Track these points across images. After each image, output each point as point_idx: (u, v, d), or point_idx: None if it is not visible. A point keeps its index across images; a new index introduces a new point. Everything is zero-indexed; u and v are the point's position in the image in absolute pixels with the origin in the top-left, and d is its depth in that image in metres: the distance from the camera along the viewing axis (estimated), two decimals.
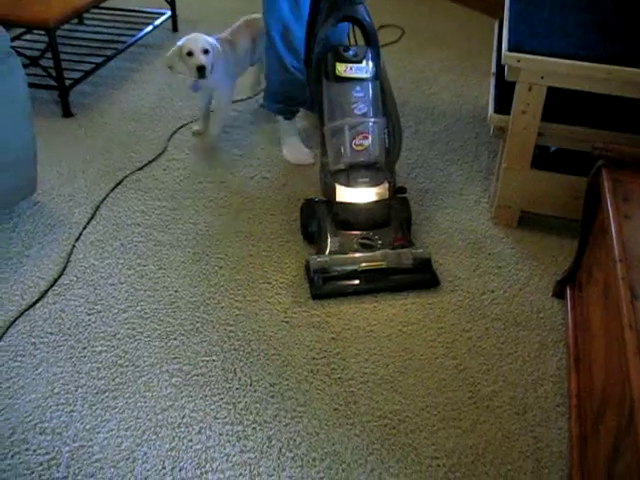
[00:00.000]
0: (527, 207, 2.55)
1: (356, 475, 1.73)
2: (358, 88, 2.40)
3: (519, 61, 2.25)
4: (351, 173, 2.41)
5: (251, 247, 2.47)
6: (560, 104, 2.38)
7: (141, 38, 3.89)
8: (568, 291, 2.21)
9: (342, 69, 2.40)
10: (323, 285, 2.26)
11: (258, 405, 1.90)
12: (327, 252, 2.32)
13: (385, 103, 2.52)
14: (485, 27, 4.02)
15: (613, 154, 1.95)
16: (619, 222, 1.73)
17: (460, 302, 2.26)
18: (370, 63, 2.43)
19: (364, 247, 2.34)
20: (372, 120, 2.43)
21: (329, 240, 2.36)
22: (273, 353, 2.05)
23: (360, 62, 2.40)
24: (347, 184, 2.40)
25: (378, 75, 2.47)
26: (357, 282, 2.29)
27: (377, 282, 2.29)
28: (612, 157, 1.95)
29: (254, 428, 1.84)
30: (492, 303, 2.26)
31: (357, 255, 2.31)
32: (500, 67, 2.52)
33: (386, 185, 2.43)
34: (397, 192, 2.50)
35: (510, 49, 2.28)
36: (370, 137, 2.41)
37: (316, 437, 1.81)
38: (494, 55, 2.93)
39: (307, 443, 1.80)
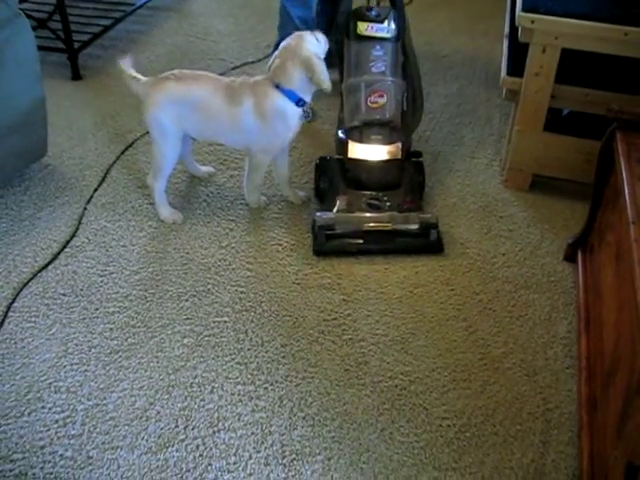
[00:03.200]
0: (539, 170, 2.54)
1: (367, 434, 1.74)
2: (378, 47, 2.39)
3: (533, 22, 2.22)
4: (364, 130, 2.38)
5: (262, 209, 2.47)
6: (574, 66, 2.36)
7: (150, 0, 3.84)
8: (579, 254, 2.21)
9: (363, 28, 2.39)
10: (326, 242, 2.27)
11: (269, 365, 1.91)
12: (335, 210, 2.33)
13: (407, 68, 2.49)
14: None
15: (628, 116, 1.93)
16: (633, 184, 1.72)
17: (471, 265, 2.26)
18: (392, 24, 2.41)
19: (372, 207, 2.34)
20: (389, 79, 2.39)
21: (337, 198, 2.36)
22: (284, 314, 2.07)
23: (382, 22, 2.39)
24: (359, 140, 2.38)
25: (400, 37, 2.44)
26: (361, 242, 2.29)
27: (381, 243, 2.29)
28: (627, 119, 1.93)
29: (265, 388, 1.86)
30: (503, 266, 2.26)
31: (363, 215, 2.31)
32: (514, 29, 2.49)
33: (399, 145, 2.39)
34: (412, 156, 2.50)
35: (524, 9, 2.24)
36: (386, 96, 2.37)
37: (327, 397, 1.83)
38: (507, 17, 2.89)
39: (318, 403, 1.82)
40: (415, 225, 2.28)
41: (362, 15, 2.41)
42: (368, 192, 2.39)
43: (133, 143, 2.80)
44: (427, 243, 2.30)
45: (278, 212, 2.46)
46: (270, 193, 2.54)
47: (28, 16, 2.43)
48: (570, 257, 2.26)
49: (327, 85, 2.21)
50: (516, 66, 2.43)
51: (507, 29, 2.78)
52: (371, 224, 2.28)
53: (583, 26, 2.19)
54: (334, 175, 2.43)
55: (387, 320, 2.06)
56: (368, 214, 2.32)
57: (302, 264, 2.25)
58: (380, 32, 2.40)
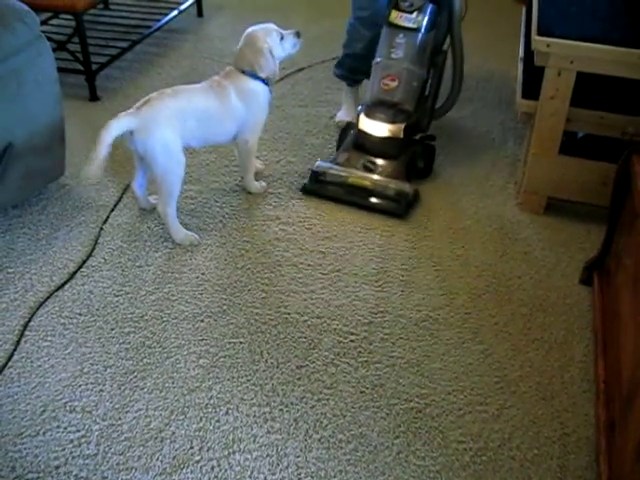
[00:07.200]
0: (554, 193, 2.54)
1: (382, 457, 1.73)
2: (401, 35, 2.65)
3: (549, 46, 2.24)
4: (373, 107, 2.69)
5: (277, 230, 2.48)
6: (590, 89, 2.36)
7: (166, 23, 3.90)
8: (596, 277, 2.20)
9: (394, 16, 2.67)
10: (314, 184, 2.66)
11: (285, 387, 1.91)
12: (335, 162, 2.69)
13: (454, 55, 2.84)
14: (511, 12, 3.98)
15: None
16: None
17: (487, 287, 2.25)
18: (423, 16, 2.63)
19: (365, 168, 2.65)
20: (405, 66, 2.65)
21: (340, 153, 2.74)
22: (299, 336, 2.06)
23: (411, 13, 2.63)
24: (367, 115, 2.68)
25: (432, 28, 2.67)
26: (341, 191, 2.62)
27: (355, 197, 2.61)
28: None
29: (281, 410, 1.85)
30: (519, 288, 2.25)
31: (353, 171, 2.64)
32: (528, 52, 2.50)
33: (401, 126, 2.64)
34: (426, 138, 2.82)
35: (540, 33, 2.26)
36: (398, 80, 2.66)
37: (342, 419, 1.82)
38: (522, 40, 2.90)
39: (334, 425, 1.81)
40: (391, 191, 2.57)
41: (397, 4, 2.66)
42: (368, 155, 2.68)
43: None
44: (394, 207, 2.56)
45: (293, 233, 2.47)
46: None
47: (48, 38, 2.47)
48: (586, 280, 2.25)
49: (264, 74, 2.48)
50: (531, 89, 2.44)
51: (522, 52, 2.80)
52: (354, 179, 2.60)
53: (598, 50, 2.20)
54: (347, 135, 2.79)
55: (402, 343, 2.05)
56: (357, 171, 2.63)
57: (318, 286, 2.25)
58: (406, 22, 2.64)
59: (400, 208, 2.54)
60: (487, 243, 2.44)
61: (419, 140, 2.78)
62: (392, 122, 2.65)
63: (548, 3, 2.45)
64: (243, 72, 2.47)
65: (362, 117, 2.69)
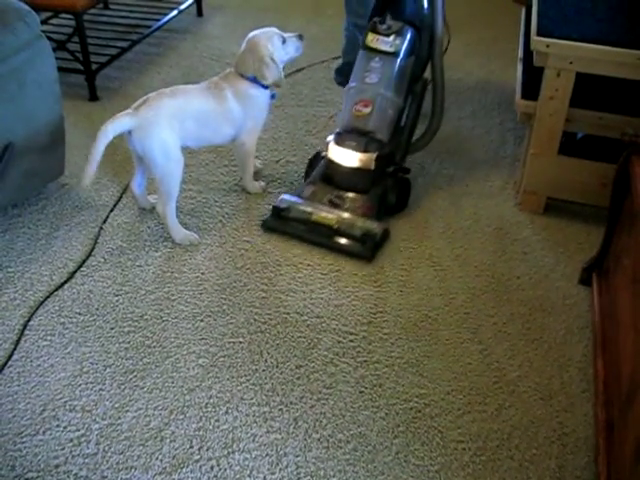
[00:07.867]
0: (553, 194, 2.54)
1: (381, 457, 1.74)
2: (377, 59, 2.49)
3: (548, 46, 2.24)
4: (344, 134, 2.50)
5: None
6: (589, 90, 2.37)
7: (166, 23, 3.90)
8: (595, 278, 2.20)
9: (371, 39, 2.51)
10: (276, 220, 2.45)
11: (284, 387, 1.91)
12: (300, 196, 2.50)
13: (434, 86, 2.67)
14: (510, 12, 3.96)
15: None
16: None
17: (485, 287, 2.25)
18: (401, 40, 2.47)
19: (331, 204, 2.46)
20: (379, 92, 2.47)
21: (306, 187, 2.54)
22: (299, 336, 2.07)
23: (388, 36, 2.47)
24: (337, 143, 2.50)
25: (410, 53, 2.50)
26: (303, 229, 2.42)
27: (320, 237, 2.40)
28: None
29: (280, 409, 1.85)
30: (518, 289, 2.25)
31: (317, 207, 2.44)
32: (528, 53, 2.51)
33: (372, 156, 2.45)
34: (400, 171, 2.58)
35: (539, 34, 2.26)
36: (371, 107, 2.47)
37: (342, 419, 1.83)
38: (521, 41, 2.91)
39: (333, 425, 1.81)
40: (358, 231, 2.37)
41: (374, 27, 2.51)
42: (335, 190, 2.49)
43: None
44: (359, 250, 2.36)
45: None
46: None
47: (48, 38, 2.47)
48: (585, 280, 2.26)
49: (269, 82, 2.46)
50: (530, 90, 2.44)
51: (521, 53, 2.80)
52: (318, 217, 2.41)
53: (598, 50, 2.20)
54: (314, 166, 2.61)
55: (402, 343, 2.05)
56: (323, 207, 2.44)
57: (317, 286, 2.25)
58: (383, 46, 2.48)
59: (366, 251, 2.34)
60: (486, 243, 2.45)
61: (392, 172, 2.54)
62: (363, 151, 2.44)
63: (548, 4, 2.46)
64: (242, 75, 2.46)
65: (331, 145, 2.51)
